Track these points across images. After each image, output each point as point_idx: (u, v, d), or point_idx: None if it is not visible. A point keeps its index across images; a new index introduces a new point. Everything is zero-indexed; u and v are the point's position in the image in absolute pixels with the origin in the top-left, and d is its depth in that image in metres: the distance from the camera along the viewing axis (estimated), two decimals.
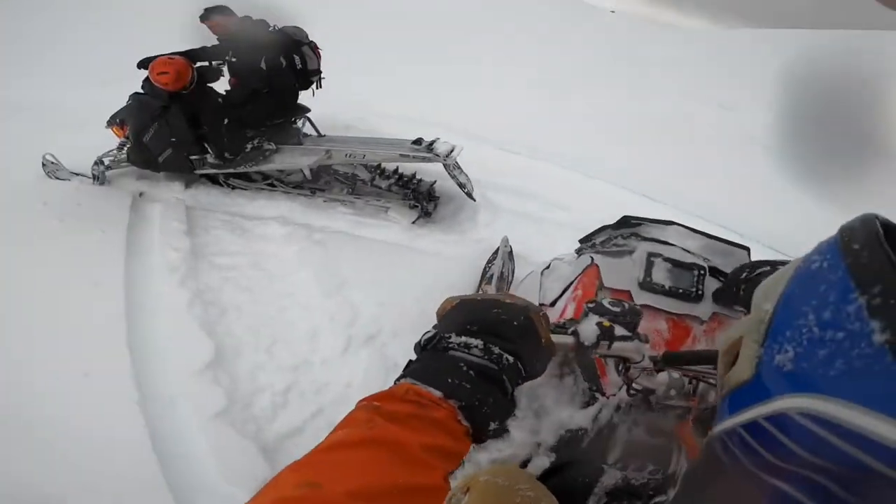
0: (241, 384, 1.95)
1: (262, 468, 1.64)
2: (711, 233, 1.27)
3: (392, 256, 2.61)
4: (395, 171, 3.18)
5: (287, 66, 2.95)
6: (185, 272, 2.41)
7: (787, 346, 0.31)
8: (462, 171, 2.86)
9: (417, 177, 3.16)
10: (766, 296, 0.36)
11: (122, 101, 3.13)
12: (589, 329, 0.62)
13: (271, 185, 3.28)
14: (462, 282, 2.38)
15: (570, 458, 0.85)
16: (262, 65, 2.85)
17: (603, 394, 0.87)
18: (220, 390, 1.88)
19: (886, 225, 0.31)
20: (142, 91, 3.07)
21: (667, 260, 1.12)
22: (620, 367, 0.71)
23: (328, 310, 2.23)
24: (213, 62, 3.11)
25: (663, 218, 1.32)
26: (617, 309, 0.64)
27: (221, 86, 3.18)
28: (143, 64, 2.96)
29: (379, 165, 3.15)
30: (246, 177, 3.30)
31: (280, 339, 2.14)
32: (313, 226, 2.89)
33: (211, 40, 3.04)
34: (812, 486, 0.29)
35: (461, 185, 2.87)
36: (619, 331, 0.63)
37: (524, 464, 0.92)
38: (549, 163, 3.49)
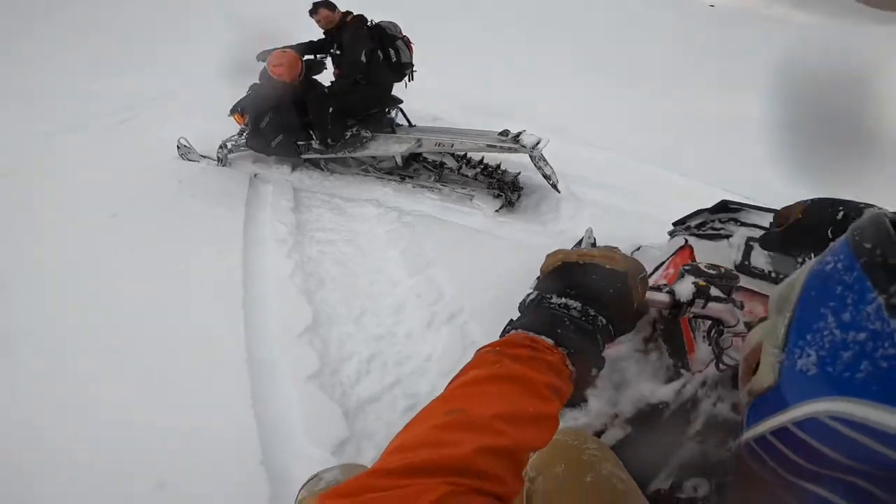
0: (332, 350, 2.09)
1: (343, 430, 1.72)
2: None
3: (476, 241, 2.70)
4: (481, 161, 3.27)
5: (384, 58, 3.16)
6: (292, 245, 2.67)
7: (808, 349, 0.30)
8: (547, 162, 2.88)
9: (502, 167, 3.22)
10: (782, 300, 0.34)
11: (243, 92, 3.52)
12: (685, 287, 0.65)
13: (365, 170, 3.52)
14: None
15: (647, 431, 0.88)
16: (363, 57, 3.06)
17: (688, 369, 0.89)
18: (314, 354, 2.02)
19: (895, 221, 0.30)
20: (259, 82, 3.42)
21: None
22: (713, 332, 0.72)
23: (414, 287, 2.37)
24: (318, 55, 3.42)
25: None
26: (713, 272, 0.66)
27: (326, 78, 3.46)
28: (262, 56, 3.32)
29: (465, 155, 3.26)
30: (343, 162, 3.57)
31: (369, 310, 2.30)
32: (403, 209, 3.06)
33: (318, 33, 3.33)
34: (849, 489, 0.29)
35: (546, 177, 2.89)
36: (715, 292, 0.65)
37: (598, 434, 0.96)
38: (634, 158, 3.39)
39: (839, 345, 0.28)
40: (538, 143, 2.81)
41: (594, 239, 2.43)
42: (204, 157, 3.67)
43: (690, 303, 0.65)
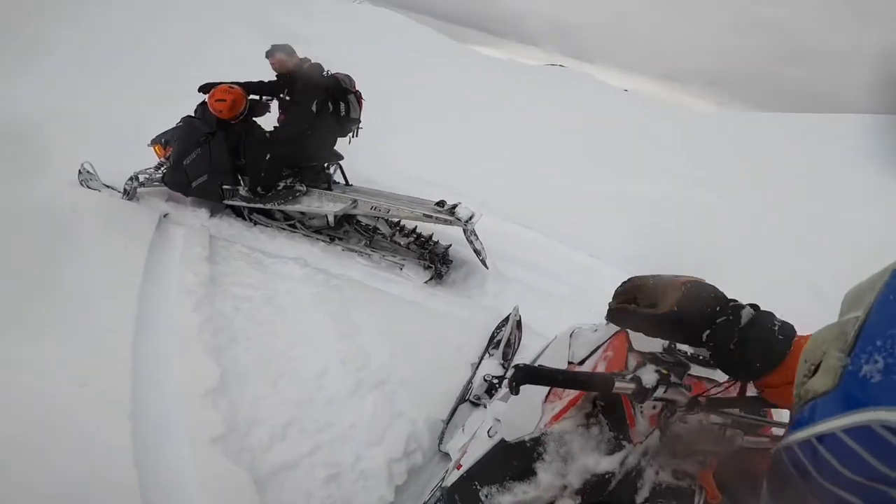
0: (242, 413, 1.92)
1: (251, 499, 1.59)
2: None
3: (405, 311, 2.68)
4: (414, 230, 3.34)
5: (333, 111, 3.15)
6: (201, 297, 2.44)
7: (876, 355, 0.29)
8: (478, 237, 3.01)
9: (434, 239, 3.31)
10: (854, 302, 0.33)
11: (167, 122, 3.30)
12: (650, 376, 0.72)
13: (293, 226, 3.40)
14: (470, 344, 2.45)
15: (596, 501, 0.90)
16: (314, 107, 3.04)
17: (630, 441, 0.94)
18: (218, 416, 1.84)
19: None
20: (193, 115, 3.25)
21: None
22: (664, 412, 0.79)
23: (340, 352, 2.25)
24: (265, 97, 3.34)
25: None
26: (670, 359, 0.75)
27: (263, 121, 3.39)
28: (204, 88, 3.17)
29: (399, 222, 3.31)
30: (269, 214, 3.42)
31: (287, 373, 2.14)
32: (330, 271, 2.97)
33: (268, 76, 3.28)
34: (882, 500, 0.28)
35: (477, 252, 3.01)
36: (674, 379, 0.74)
37: None
38: (558, 241, 3.68)
39: None
40: (472, 217, 2.94)
41: (519, 317, 2.54)
42: (108, 186, 3.30)
43: (654, 388, 0.72)
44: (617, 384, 0.72)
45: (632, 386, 0.74)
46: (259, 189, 3.20)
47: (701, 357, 1.18)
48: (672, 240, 3.93)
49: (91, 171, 3.30)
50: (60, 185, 3.18)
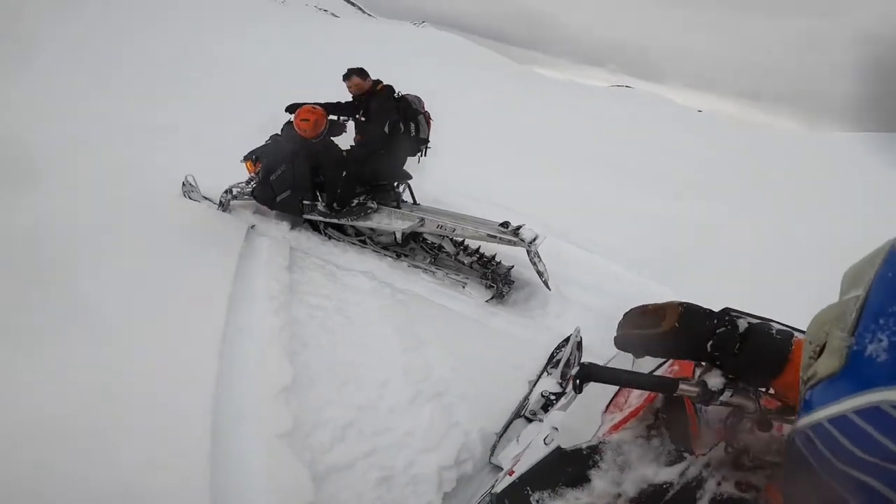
0: (308, 413, 2.03)
1: (308, 495, 1.67)
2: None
3: (467, 328, 2.75)
4: (478, 249, 3.40)
5: (404, 131, 3.33)
6: (281, 303, 2.65)
7: (880, 334, 0.28)
8: (541, 259, 3.02)
9: (497, 258, 3.35)
10: (854, 281, 0.33)
11: (259, 140, 3.64)
12: (716, 379, 0.73)
13: (363, 241, 3.59)
14: (529, 362, 2.44)
15: None
16: (386, 128, 3.23)
17: (692, 453, 0.91)
18: (288, 414, 1.96)
19: None
20: (280, 134, 3.55)
21: None
22: (730, 419, 0.78)
23: (403, 363, 2.34)
24: (342, 118, 3.60)
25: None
26: None
27: (343, 140, 3.64)
28: (290, 109, 3.46)
29: (463, 241, 3.39)
30: (341, 229, 3.64)
31: (352, 380, 2.25)
32: (396, 286, 3.11)
33: (345, 97, 3.53)
34: None
35: (539, 274, 3.01)
36: (742, 383, 0.73)
37: None
38: (621, 265, 3.58)
39: None
40: (535, 239, 2.95)
41: (580, 338, 2.50)
42: (206, 198, 3.66)
43: (720, 392, 0.72)
44: (682, 386, 0.74)
45: (696, 389, 0.74)
46: (335, 205, 3.42)
47: None
48: (743, 268, 3.68)
49: (193, 183, 3.66)
50: (168, 194, 3.59)
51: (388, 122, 3.24)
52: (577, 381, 0.76)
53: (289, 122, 3.52)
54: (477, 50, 12.85)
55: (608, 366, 1.43)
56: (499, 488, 1.27)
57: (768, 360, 0.68)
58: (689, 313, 0.76)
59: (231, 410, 1.95)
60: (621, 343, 0.83)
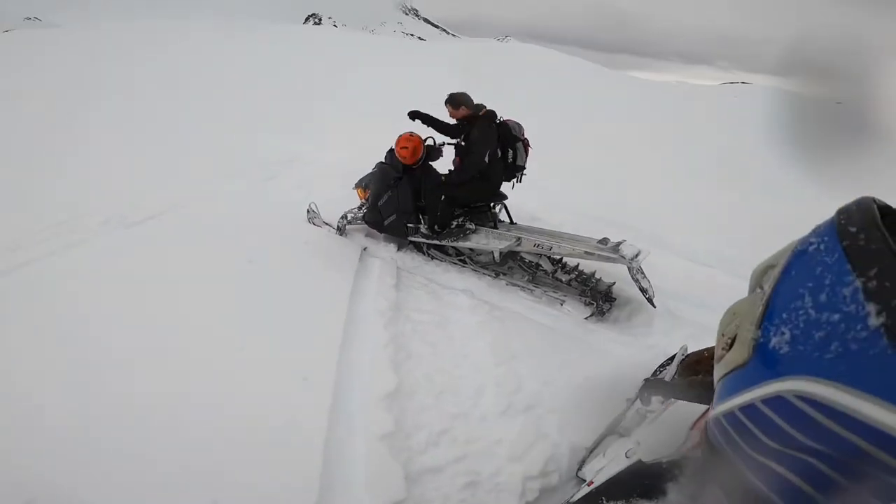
0: (408, 418, 2.19)
1: (401, 492, 1.80)
2: None
3: (563, 344, 2.73)
4: (576, 267, 3.36)
5: (501, 156, 3.42)
6: (389, 318, 2.91)
7: (783, 328, 0.30)
8: (645, 275, 2.89)
9: (597, 276, 3.28)
10: (761, 277, 0.34)
11: (367, 167, 4.04)
12: None
13: (463, 261, 3.76)
14: (627, 379, 2.33)
15: None
16: (486, 158, 3.33)
17: None
18: (390, 418, 2.14)
19: (883, 208, 0.30)
20: (385, 161, 3.84)
21: None
22: None
23: (496, 376, 2.43)
24: (438, 143, 3.79)
25: None
26: None
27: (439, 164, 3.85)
28: (412, 115, 3.64)
29: (561, 259, 3.38)
30: (443, 250, 3.84)
31: (449, 389, 2.39)
32: (494, 303, 3.20)
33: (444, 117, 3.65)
34: (806, 468, 0.29)
35: (643, 290, 2.88)
36: None
37: None
38: (737, 277, 3.24)
39: (813, 325, 0.28)
40: (637, 255, 2.85)
41: (686, 355, 2.33)
42: (326, 224, 4.12)
43: None
44: None
45: None
46: (436, 227, 3.63)
47: None
48: None
49: (315, 210, 4.15)
50: (296, 222, 4.15)
51: (487, 153, 3.32)
52: (645, 394, 0.78)
53: (391, 150, 3.79)
54: (566, 60, 12.54)
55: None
56: (575, 498, 1.29)
57: None
58: None
59: (343, 411, 2.18)
60: (680, 393, 0.75)
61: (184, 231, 3.76)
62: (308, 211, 4.16)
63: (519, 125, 3.53)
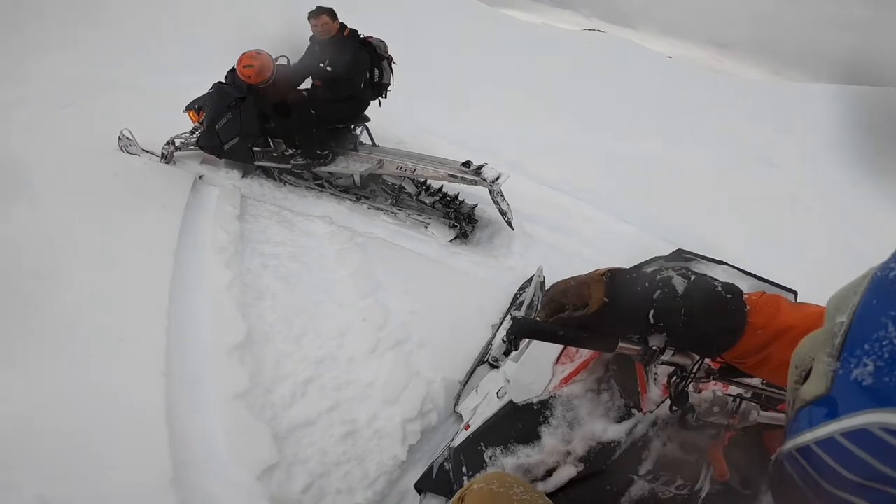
0: (266, 370, 1.97)
1: (271, 454, 1.64)
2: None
3: (428, 270, 2.67)
4: (440, 189, 3.28)
5: (369, 77, 3.12)
6: (231, 254, 2.50)
7: (865, 359, 0.30)
8: (504, 198, 2.93)
9: (460, 198, 3.25)
10: (839, 307, 0.34)
11: (200, 90, 3.36)
12: (658, 338, 0.65)
13: (321, 185, 3.42)
14: (491, 304, 2.41)
15: (599, 469, 0.86)
16: (354, 77, 3.04)
17: (640, 410, 0.89)
18: (244, 372, 1.89)
19: None
20: (224, 81, 3.29)
21: None
22: (673, 379, 0.73)
23: (361, 310, 2.28)
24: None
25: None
26: None
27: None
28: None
29: (425, 181, 3.26)
30: (297, 174, 3.45)
31: (310, 331, 2.18)
32: (355, 229, 2.98)
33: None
34: (888, 500, 0.28)
35: (503, 213, 2.94)
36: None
37: (549, 472, 0.94)
38: (587, 203, 3.55)
39: None
40: (498, 178, 2.86)
41: (543, 278, 2.47)
42: (146, 151, 3.41)
43: (661, 351, 0.65)
44: (621, 344, 0.67)
45: (638, 347, 0.68)
46: (318, 151, 3.20)
47: None
48: (703, 207, 3.73)
49: (130, 136, 3.40)
50: (103, 152, 3.27)
51: (354, 71, 3.04)
52: (512, 338, 0.68)
53: (231, 70, 3.25)
54: None
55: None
56: (456, 442, 1.27)
57: (719, 335, 0.59)
58: (616, 282, 0.65)
59: (185, 373, 1.87)
60: (548, 335, 0.67)
61: None
62: (119, 138, 3.35)
63: (383, 43, 3.24)
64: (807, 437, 0.34)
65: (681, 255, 1.37)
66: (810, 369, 0.35)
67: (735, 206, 3.83)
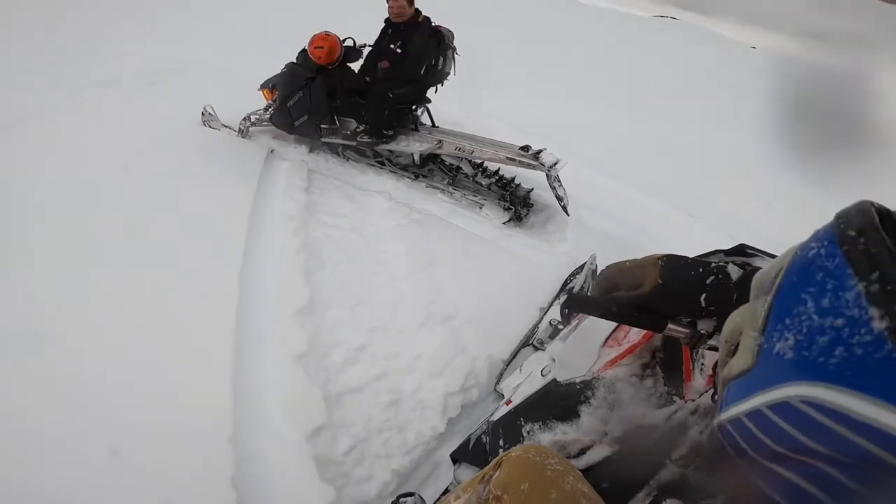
0: (323, 335, 2.07)
1: (321, 416, 1.72)
2: None
3: (480, 249, 2.71)
4: (497, 171, 3.29)
5: (433, 64, 3.20)
6: (299, 223, 2.67)
7: (787, 333, 0.31)
8: (561, 184, 2.90)
9: (516, 181, 3.25)
10: (763, 283, 0.35)
11: (275, 69, 3.56)
12: (707, 323, 0.68)
13: (381, 163, 3.54)
14: (541, 288, 2.43)
15: (632, 451, 0.89)
16: (422, 69, 3.15)
17: (682, 398, 0.90)
18: (304, 336, 2.00)
19: (882, 211, 0.31)
20: (296, 62, 3.47)
21: None
22: (719, 367, 0.74)
23: (414, 284, 2.37)
24: (359, 44, 3.45)
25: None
26: None
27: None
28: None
29: (482, 163, 3.28)
30: (360, 151, 3.59)
31: (365, 300, 2.29)
32: (413, 206, 3.07)
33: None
34: (815, 473, 0.30)
35: (559, 198, 2.91)
36: None
37: (584, 450, 0.97)
38: (646, 193, 3.42)
39: (816, 330, 0.29)
40: (556, 164, 2.83)
41: (595, 265, 2.45)
42: (226, 126, 3.70)
43: (710, 335, 0.67)
44: (670, 325, 0.69)
45: (686, 330, 0.70)
46: (385, 131, 3.31)
47: None
48: (772, 205, 3.48)
49: (212, 112, 3.71)
50: (187, 126, 3.58)
51: (425, 60, 3.14)
52: (565, 311, 0.73)
53: (303, 51, 3.42)
54: None
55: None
56: (496, 417, 1.32)
57: None
58: (672, 266, 0.67)
59: (251, 332, 2.01)
60: (600, 310, 0.71)
61: (40, 145, 3.02)
62: (203, 113, 3.68)
63: (451, 32, 3.29)
64: (737, 409, 0.35)
65: (743, 250, 1.32)
66: (738, 344, 0.37)
67: (804, 204, 3.56)
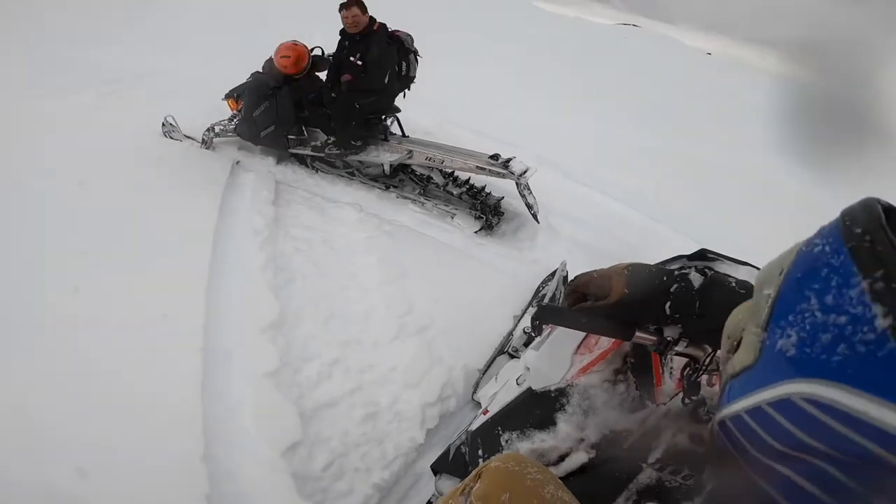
0: (295, 350, 2.03)
1: (296, 433, 1.69)
2: None
3: (452, 259, 2.71)
4: (467, 181, 3.31)
5: (397, 70, 3.17)
6: (266, 237, 2.61)
7: (789, 330, 0.31)
8: (531, 192, 2.95)
9: (487, 190, 3.28)
10: (767, 280, 0.35)
11: (240, 78, 3.50)
12: (673, 329, 0.70)
13: (351, 173, 3.51)
14: (514, 296, 2.45)
15: (610, 456, 0.90)
16: (386, 78, 3.11)
17: (653, 402, 0.92)
18: (275, 351, 1.95)
19: (887, 208, 0.31)
20: (261, 71, 3.43)
21: None
22: (686, 371, 0.77)
23: (386, 296, 2.34)
24: (327, 54, 3.39)
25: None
26: None
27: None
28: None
29: (453, 172, 3.30)
30: (329, 162, 3.56)
31: (337, 314, 2.26)
32: (384, 217, 3.05)
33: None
34: (814, 471, 0.29)
35: (529, 206, 2.96)
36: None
37: (562, 457, 0.98)
38: (613, 199, 3.51)
39: (819, 327, 0.29)
40: (525, 172, 2.87)
41: (566, 272, 2.49)
42: (188, 137, 3.60)
43: (676, 341, 0.69)
44: (638, 333, 0.71)
45: (653, 337, 0.72)
46: (353, 142, 3.28)
47: None
48: (738, 208, 3.63)
49: (173, 123, 3.60)
50: (147, 137, 3.46)
51: (386, 67, 3.09)
52: (536, 323, 0.74)
53: (269, 60, 3.39)
54: None
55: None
56: (474, 426, 1.32)
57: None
58: (637, 275, 0.70)
59: (220, 349, 1.95)
60: (569, 321, 0.74)
61: None
62: (163, 124, 3.58)
63: (410, 37, 3.25)
64: (737, 405, 0.35)
65: (704, 255, 1.37)
66: (740, 340, 0.37)
67: (767, 208, 3.72)
